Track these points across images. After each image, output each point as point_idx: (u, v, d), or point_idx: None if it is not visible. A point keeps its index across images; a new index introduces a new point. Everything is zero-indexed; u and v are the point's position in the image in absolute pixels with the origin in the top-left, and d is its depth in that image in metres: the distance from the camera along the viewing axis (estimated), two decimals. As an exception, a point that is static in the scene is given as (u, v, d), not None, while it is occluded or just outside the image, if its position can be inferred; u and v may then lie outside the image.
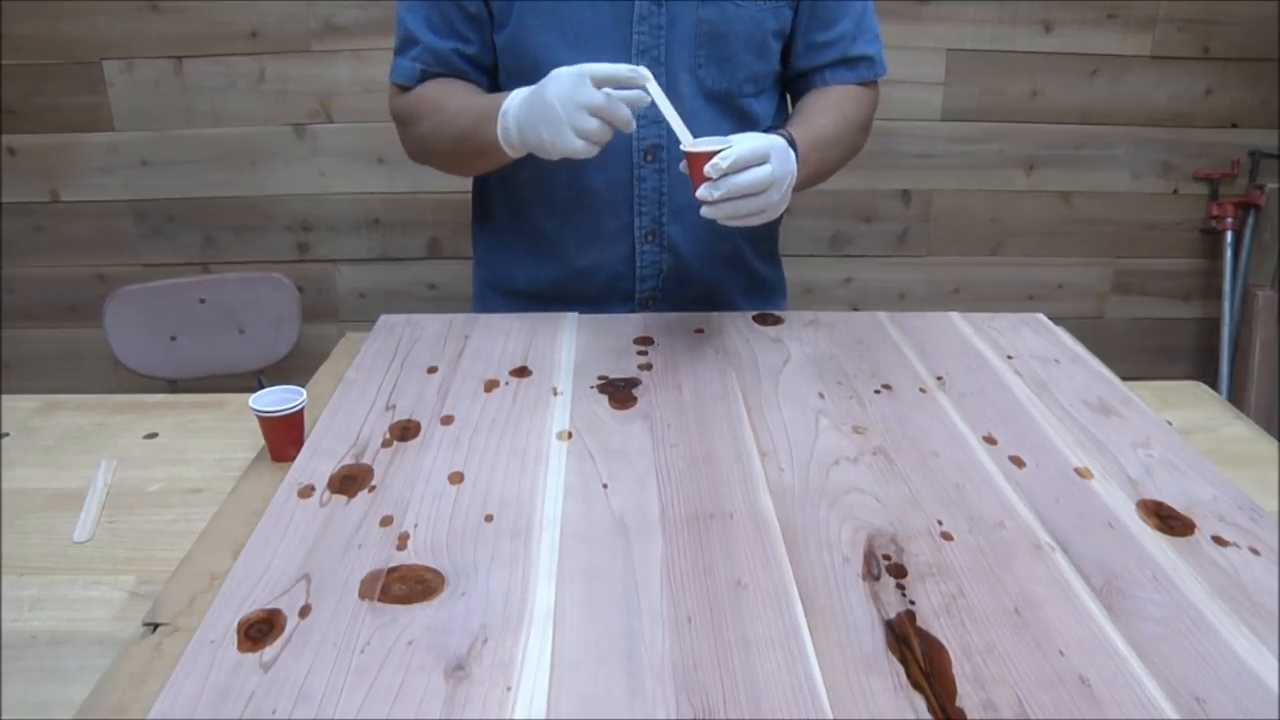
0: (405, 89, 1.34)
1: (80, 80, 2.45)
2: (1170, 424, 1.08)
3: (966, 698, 0.67)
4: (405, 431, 1.02)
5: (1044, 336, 1.30)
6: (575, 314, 1.33)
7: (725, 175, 1.05)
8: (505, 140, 1.17)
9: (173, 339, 2.11)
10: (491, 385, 1.12)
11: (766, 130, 1.23)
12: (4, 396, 1.25)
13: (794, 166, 1.16)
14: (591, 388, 1.12)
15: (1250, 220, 2.65)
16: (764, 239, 1.47)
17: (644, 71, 1.09)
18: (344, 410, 1.07)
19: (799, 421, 1.05)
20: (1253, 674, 0.70)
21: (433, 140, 1.32)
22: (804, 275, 2.72)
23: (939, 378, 1.16)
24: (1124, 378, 1.19)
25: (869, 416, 1.07)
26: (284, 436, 1.02)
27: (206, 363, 2.13)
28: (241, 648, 0.72)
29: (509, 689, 0.68)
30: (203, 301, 2.12)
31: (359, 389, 1.12)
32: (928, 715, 0.66)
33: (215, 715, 0.66)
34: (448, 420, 1.05)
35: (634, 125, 1.10)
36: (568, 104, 1.07)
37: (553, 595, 0.77)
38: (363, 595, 0.77)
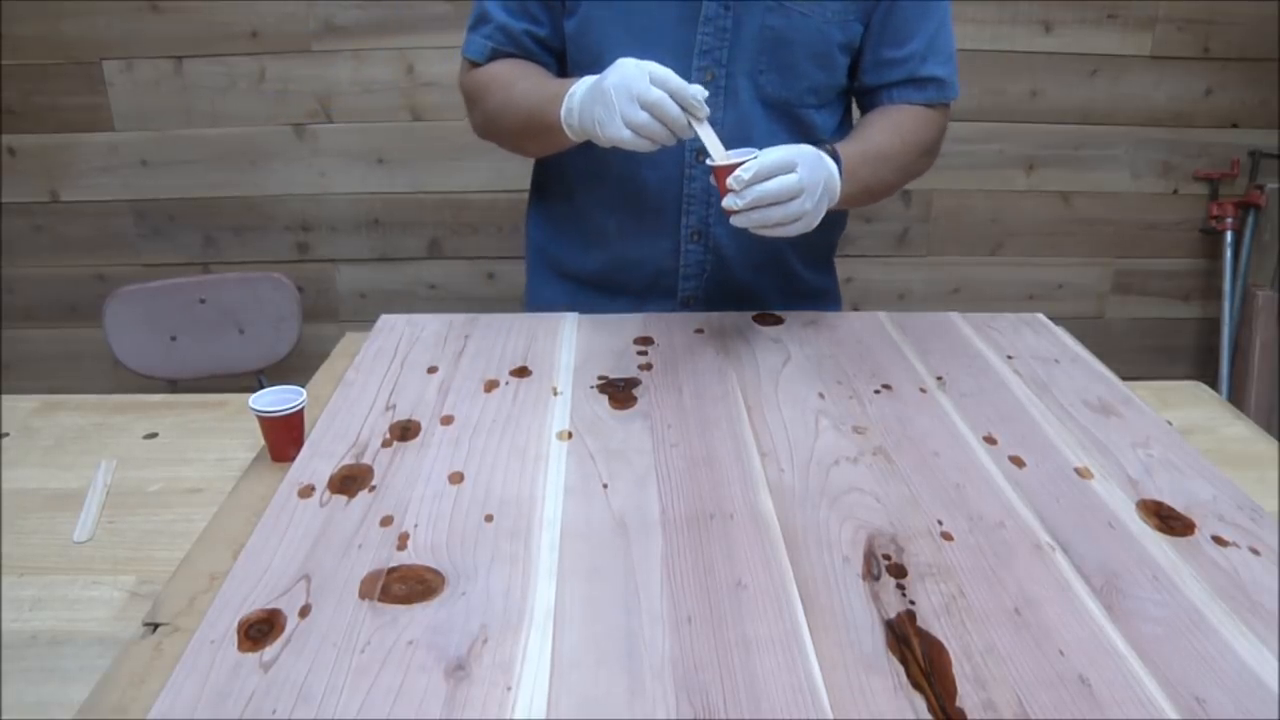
0: (475, 65, 1.35)
1: (80, 80, 2.45)
2: (1170, 424, 1.08)
3: (966, 698, 0.67)
4: (405, 431, 1.02)
5: (1044, 336, 1.30)
6: (575, 314, 1.33)
7: (749, 185, 1.05)
8: (566, 123, 1.17)
9: (173, 339, 2.11)
10: (492, 385, 1.12)
11: (822, 143, 1.23)
12: (4, 396, 1.25)
13: (829, 175, 1.15)
14: (592, 388, 1.12)
15: (1250, 220, 2.65)
16: (812, 246, 1.41)
17: (704, 107, 1.09)
18: (344, 410, 1.07)
19: (799, 421, 1.05)
20: (1253, 674, 0.70)
21: (500, 117, 1.32)
22: (804, 275, 2.72)
23: (939, 378, 1.16)
24: (1124, 378, 1.19)
25: (869, 416, 1.07)
26: (284, 436, 1.02)
27: (206, 363, 2.13)
28: (242, 648, 0.72)
29: (509, 689, 0.68)
30: (203, 301, 2.12)
31: (359, 389, 1.12)
32: (928, 715, 0.66)
33: (215, 715, 0.66)
34: (448, 420, 1.05)
35: (689, 131, 1.10)
36: (622, 93, 1.08)
37: (553, 595, 0.77)
38: (363, 595, 0.77)
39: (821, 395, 1.11)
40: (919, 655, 0.71)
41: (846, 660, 0.71)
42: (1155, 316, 2.81)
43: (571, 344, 1.23)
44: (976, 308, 1.39)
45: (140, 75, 2.45)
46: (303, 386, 1.06)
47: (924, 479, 0.95)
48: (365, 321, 1.41)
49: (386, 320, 1.31)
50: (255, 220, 2.59)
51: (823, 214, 1.14)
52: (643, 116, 1.07)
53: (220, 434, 1.16)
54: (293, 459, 0.99)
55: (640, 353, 1.21)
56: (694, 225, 1.36)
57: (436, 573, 0.80)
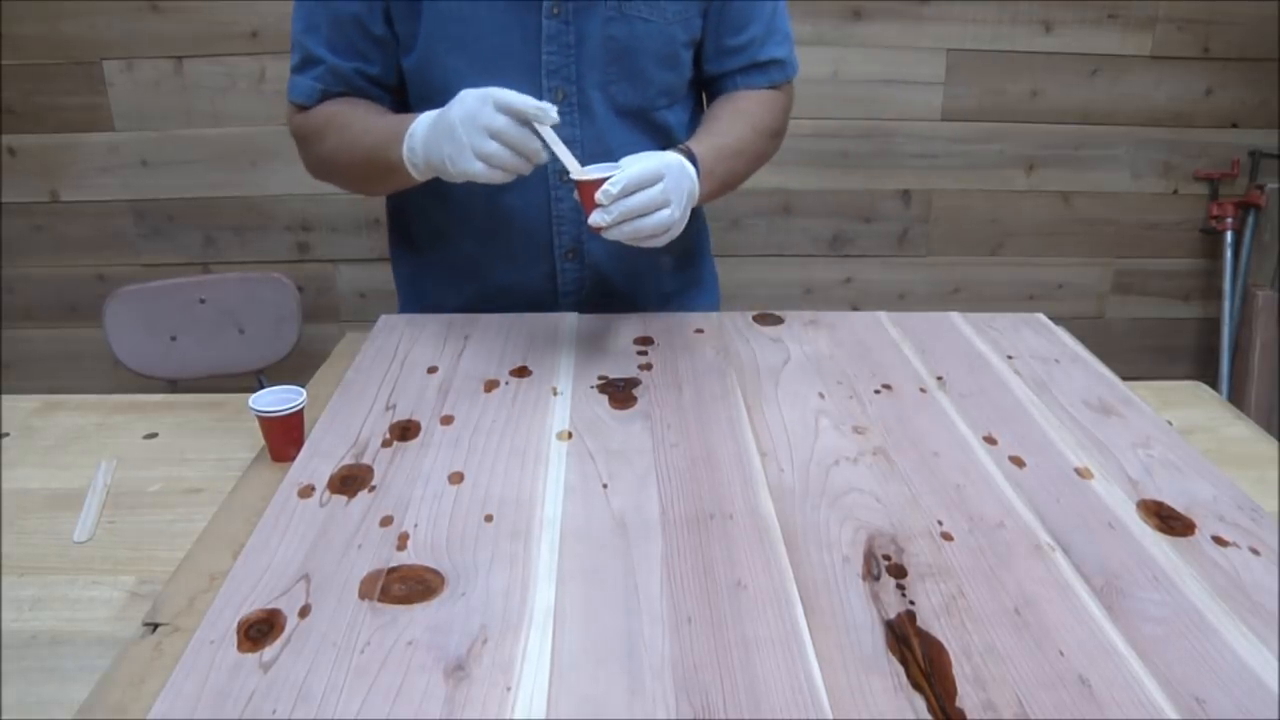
0: (304, 108, 1.31)
1: (80, 80, 2.45)
2: (1170, 424, 1.08)
3: (966, 698, 0.67)
4: (405, 431, 1.02)
5: (1044, 336, 1.30)
6: (575, 314, 1.33)
7: (616, 199, 1.04)
8: (410, 162, 1.14)
9: (173, 339, 2.11)
10: (491, 385, 1.12)
11: (678, 143, 1.22)
12: (4, 396, 1.25)
13: (691, 182, 1.14)
14: (591, 388, 1.12)
15: (1250, 220, 2.65)
16: (677, 244, 1.27)
17: (551, 114, 1.06)
18: (344, 410, 1.07)
19: (799, 421, 1.05)
20: (1253, 674, 0.70)
21: (337, 159, 1.28)
22: (804, 275, 2.73)
23: (939, 378, 1.16)
24: (1124, 378, 1.19)
25: (869, 416, 1.07)
26: (284, 437, 1.02)
27: (206, 363, 2.13)
28: (241, 648, 0.72)
29: (509, 689, 0.68)
30: (203, 301, 2.12)
31: (359, 389, 1.12)
32: (928, 715, 0.66)
33: (215, 715, 0.66)
34: (448, 420, 1.05)
35: (543, 155, 1.08)
36: (469, 125, 1.05)
37: (553, 595, 0.77)
38: (363, 595, 0.77)
39: (821, 395, 1.11)
40: (919, 655, 0.71)
41: (846, 660, 0.71)
42: (1155, 316, 2.81)
43: (571, 344, 1.23)
44: (977, 308, 1.39)
45: (140, 75, 2.46)
46: (303, 387, 1.06)
47: (924, 479, 0.95)
48: (365, 321, 1.41)
49: (387, 320, 1.31)
50: (255, 220, 2.59)
51: (687, 219, 1.14)
52: (493, 146, 1.05)
53: (220, 434, 1.16)
54: (293, 459, 0.99)
55: (640, 353, 1.21)
56: (568, 245, 1.34)
57: (436, 573, 0.80)
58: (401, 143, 1.14)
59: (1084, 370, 1.20)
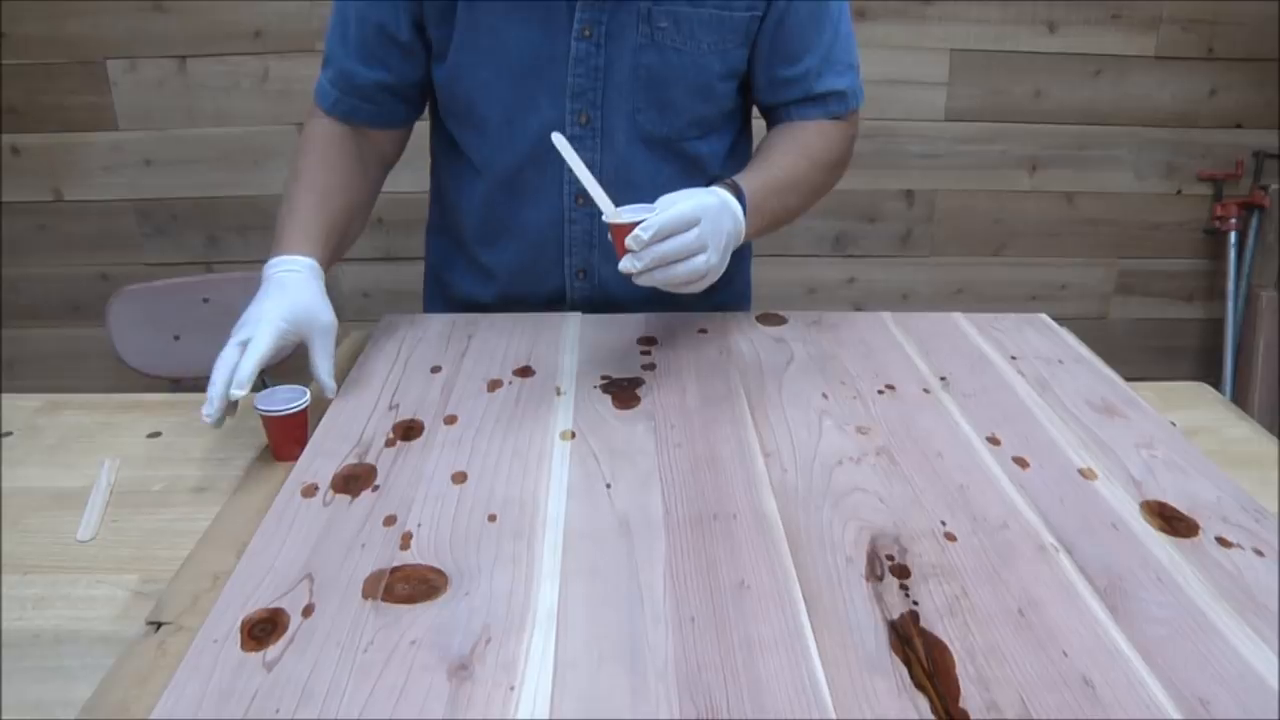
0: (324, 113, 1.30)
1: (84, 80, 2.46)
2: (1174, 425, 1.08)
3: (970, 699, 0.67)
4: (409, 431, 1.02)
5: (1047, 337, 1.30)
6: (579, 314, 1.33)
7: (648, 245, 1.00)
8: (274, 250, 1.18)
9: (176, 338, 2.11)
10: (495, 385, 1.13)
11: (718, 176, 1.18)
12: (8, 396, 1.25)
13: (734, 224, 1.10)
14: (595, 388, 1.12)
15: (1254, 221, 2.65)
16: None
17: (562, 141, 1.06)
18: (347, 410, 1.07)
19: (802, 422, 1.05)
20: (1256, 675, 0.70)
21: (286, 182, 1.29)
22: (807, 275, 2.73)
23: (942, 378, 1.16)
24: (1127, 378, 1.19)
25: (872, 417, 1.07)
26: (288, 435, 1.02)
27: (209, 362, 2.11)
28: (245, 647, 0.72)
29: (512, 689, 0.68)
30: (206, 301, 2.12)
31: (362, 388, 1.12)
32: (931, 716, 0.66)
33: (218, 714, 0.66)
34: (451, 420, 1.05)
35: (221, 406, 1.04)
36: (240, 325, 1.08)
37: (556, 595, 0.77)
38: (366, 595, 0.77)
39: (825, 395, 1.11)
40: (922, 656, 0.71)
41: (850, 661, 0.71)
42: (1158, 317, 2.81)
43: (575, 344, 1.23)
44: (979, 308, 1.39)
45: (144, 75, 2.46)
46: (306, 386, 1.06)
47: (927, 479, 0.95)
48: (368, 321, 1.40)
49: (390, 320, 1.32)
50: (258, 220, 2.59)
51: (726, 263, 1.10)
52: (228, 352, 1.06)
53: (223, 433, 1.16)
54: (296, 458, 0.99)
55: (644, 352, 1.21)
56: (578, 265, 1.34)
57: (440, 572, 0.80)
58: (274, 248, 1.18)
59: (1087, 371, 1.20)
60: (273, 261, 1.15)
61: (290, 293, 1.10)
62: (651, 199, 1.06)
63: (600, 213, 1.05)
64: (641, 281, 1.03)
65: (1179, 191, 2.67)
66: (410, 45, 1.24)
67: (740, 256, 1.47)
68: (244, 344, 1.04)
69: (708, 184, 1.14)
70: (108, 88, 2.47)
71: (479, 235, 1.36)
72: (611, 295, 1.36)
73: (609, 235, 1.06)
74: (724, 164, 1.34)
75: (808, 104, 1.31)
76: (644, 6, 1.18)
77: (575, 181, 1.23)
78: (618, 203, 1.06)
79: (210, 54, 2.44)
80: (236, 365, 1.02)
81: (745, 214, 1.13)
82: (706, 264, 1.04)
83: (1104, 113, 2.58)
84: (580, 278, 1.35)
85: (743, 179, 1.17)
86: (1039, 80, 2.54)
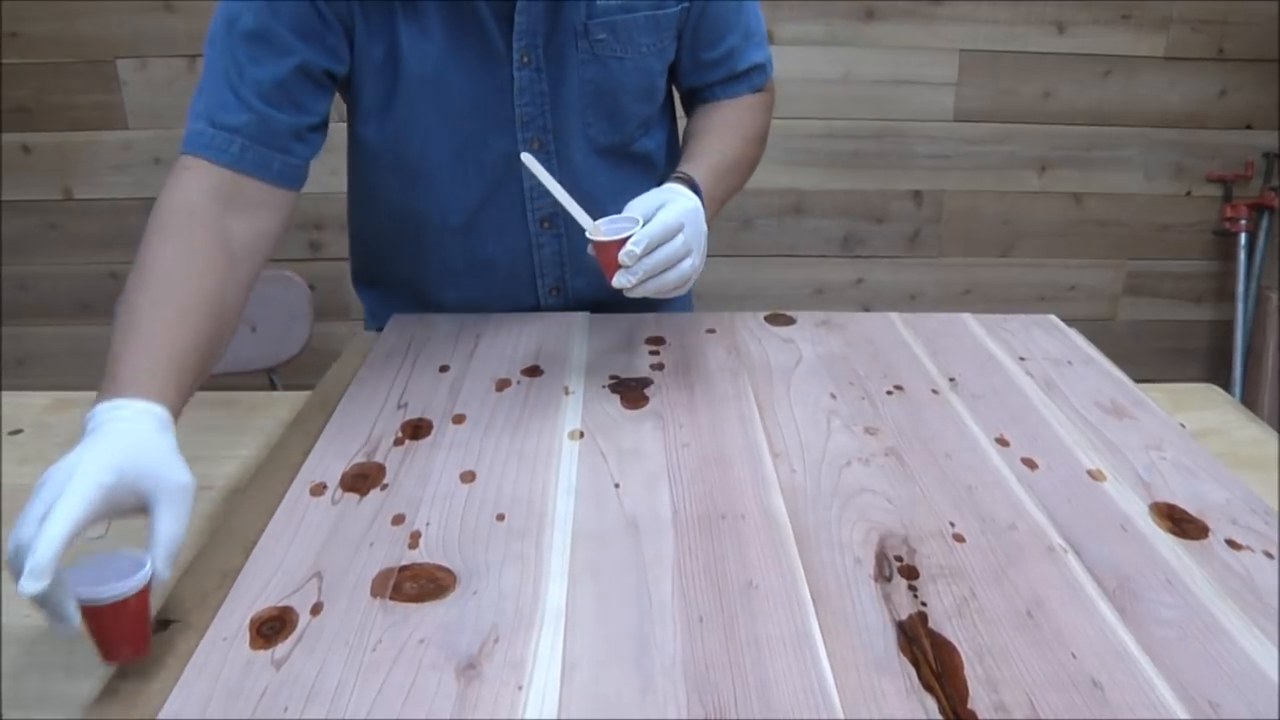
0: (209, 166, 1.04)
1: (94, 79, 2.46)
2: (1183, 426, 1.08)
3: (978, 699, 0.67)
4: (417, 430, 1.03)
5: (1056, 338, 1.30)
6: (586, 314, 1.33)
7: (640, 259, 1.00)
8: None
9: (185, 337, 2.11)
10: (503, 384, 1.13)
11: (667, 171, 1.17)
12: (18, 393, 1.25)
13: (704, 221, 1.10)
14: (603, 387, 1.12)
15: (1264, 222, 2.64)
16: None
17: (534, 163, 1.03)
18: (356, 409, 1.08)
19: (811, 422, 1.05)
20: (1266, 678, 0.70)
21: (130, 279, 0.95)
22: (815, 276, 2.73)
23: (951, 379, 1.16)
24: (1136, 380, 1.19)
25: (881, 417, 1.06)
26: (118, 629, 0.69)
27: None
28: (253, 645, 0.72)
29: (520, 688, 0.68)
30: (215, 299, 2.12)
31: (371, 388, 1.12)
32: (939, 717, 0.66)
33: (227, 712, 0.66)
34: (459, 419, 1.05)
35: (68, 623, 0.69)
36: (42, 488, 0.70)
37: (564, 595, 0.77)
38: (374, 593, 0.78)
39: (833, 396, 1.11)
40: (930, 657, 0.71)
41: (858, 661, 0.71)
42: (1168, 318, 2.81)
43: (583, 343, 1.23)
44: (988, 309, 1.38)
45: (154, 74, 2.47)
46: (144, 553, 0.72)
47: (936, 480, 0.94)
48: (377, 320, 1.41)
49: (398, 319, 1.32)
50: (267, 218, 2.59)
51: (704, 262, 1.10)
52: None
53: (232, 431, 1.16)
54: (131, 659, 0.70)
55: (652, 352, 1.21)
56: (550, 284, 1.33)
57: (448, 571, 0.80)
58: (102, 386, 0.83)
59: (1096, 372, 1.20)
60: (100, 407, 0.79)
61: (123, 442, 0.75)
62: (613, 208, 1.06)
63: (570, 228, 1.05)
64: (634, 294, 1.03)
65: (1188, 193, 2.67)
66: (328, 88, 1.13)
67: None
68: (42, 517, 0.67)
69: (659, 180, 1.14)
70: (118, 87, 2.48)
71: (440, 279, 1.32)
72: (586, 304, 1.36)
73: (590, 250, 1.04)
74: (666, 154, 1.35)
75: (732, 81, 1.31)
76: (579, 23, 1.16)
77: (540, 208, 1.25)
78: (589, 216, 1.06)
79: (220, 53, 2.44)
80: (30, 545, 0.65)
81: (703, 203, 1.12)
82: (693, 267, 1.05)
83: (1113, 113, 2.57)
84: (554, 295, 1.34)
85: (693, 169, 1.16)
86: (1048, 81, 2.54)
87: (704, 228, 1.09)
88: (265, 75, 1.06)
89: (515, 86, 1.18)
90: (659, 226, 1.01)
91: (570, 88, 1.20)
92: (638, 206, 1.05)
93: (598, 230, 1.04)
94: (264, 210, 1.06)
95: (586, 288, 1.34)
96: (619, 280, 1.01)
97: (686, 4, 1.22)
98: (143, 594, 0.68)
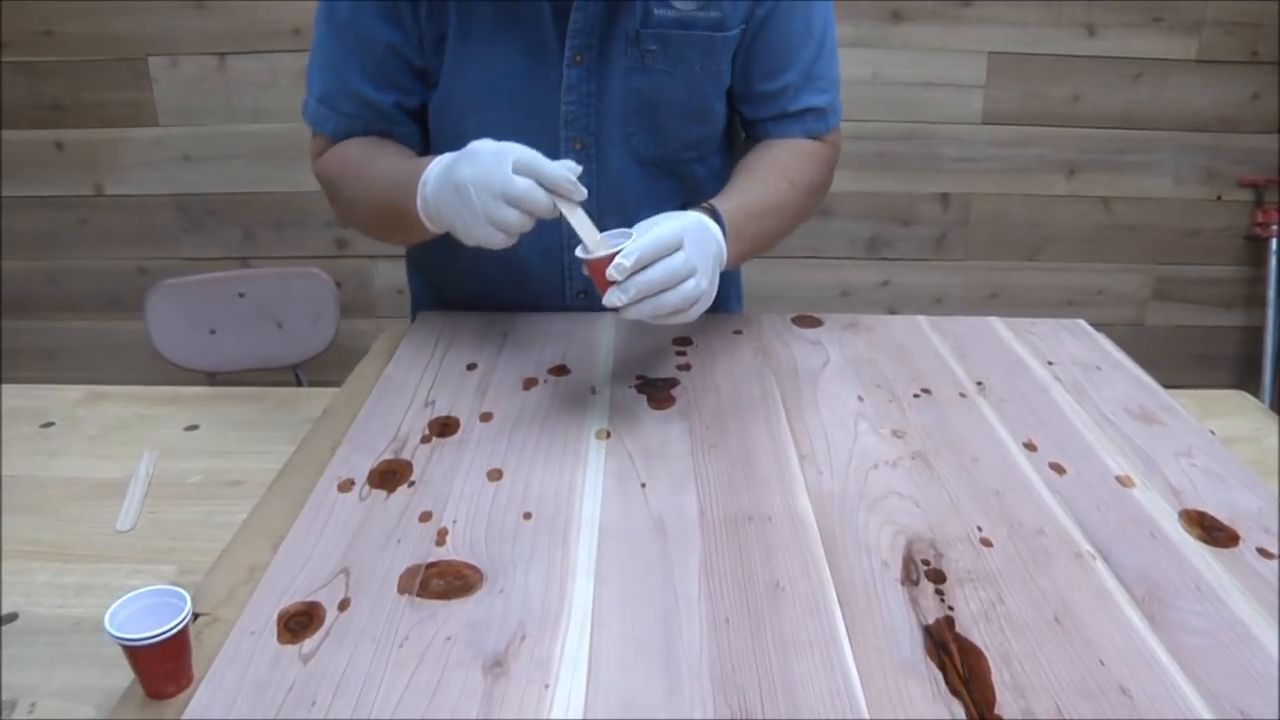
0: (330, 142, 1.23)
1: (126, 76, 2.49)
2: (1213, 433, 1.07)
3: (1005, 706, 0.67)
4: (444, 428, 1.03)
5: (1085, 342, 1.29)
6: (614, 314, 1.32)
7: (631, 274, 0.92)
8: (425, 214, 1.05)
9: (212, 332, 2.13)
10: (530, 383, 1.13)
11: (708, 195, 1.13)
12: (49, 386, 1.27)
13: (717, 246, 1.03)
14: (630, 387, 1.12)
15: (1295, 227, 2.61)
16: None
17: (581, 192, 0.97)
18: (384, 405, 1.08)
19: (838, 424, 1.05)
20: (1298, 688, 0.69)
21: (357, 207, 1.20)
22: (841, 277, 2.72)
23: (979, 383, 1.15)
24: (1164, 386, 1.18)
25: (908, 420, 1.06)
26: (161, 668, 0.70)
27: (245, 357, 2.15)
28: (281, 639, 0.73)
29: (547, 686, 0.68)
30: (242, 296, 2.14)
31: (399, 385, 1.13)
32: (966, 722, 0.65)
33: (255, 705, 0.67)
34: (486, 417, 1.05)
35: (557, 213, 0.96)
36: (483, 191, 0.95)
37: (591, 594, 0.78)
38: (402, 590, 0.78)
39: (860, 398, 1.11)
40: (957, 662, 0.71)
41: (885, 665, 0.71)
42: (1196, 324, 2.78)
43: (610, 343, 1.23)
44: (1014, 313, 1.37)
45: (184, 71, 2.49)
46: (185, 591, 0.72)
47: (963, 484, 0.94)
48: (402, 318, 1.41)
49: (425, 317, 1.32)
50: (294, 216, 2.61)
51: (717, 287, 1.02)
52: (512, 215, 0.94)
53: (260, 427, 1.17)
54: (174, 694, 0.70)
55: (679, 353, 1.21)
56: (579, 287, 1.32)
57: (475, 569, 0.80)
58: (416, 192, 1.05)
59: (1125, 377, 1.19)
60: (423, 178, 1.04)
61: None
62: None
63: (606, 229, 0.99)
64: (630, 315, 0.95)
65: (1219, 197, 2.64)
66: (419, 69, 1.19)
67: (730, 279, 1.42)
68: (517, 165, 0.94)
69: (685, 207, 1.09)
70: (149, 84, 2.50)
71: (475, 271, 1.32)
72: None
73: (584, 270, 0.98)
74: (718, 186, 1.26)
75: (785, 120, 1.26)
76: (632, 31, 1.16)
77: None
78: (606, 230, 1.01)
79: (249, 51, 2.46)
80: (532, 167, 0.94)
81: (725, 238, 1.06)
82: (697, 288, 0.96)
83: (1143, 116, 2.55)
84: (581, 299, 1.33)
85: (720, 201, 1.11)
86: (1077, 83, 2.52)
87: (714, 250, 1.02)
88: (363, 61, 1.17)
89: (563, 84, 1.18)
90: (652, 240, 0.93)
91: (616, 93, 1.19)
92: (640, 225, 1.00)
93: (591, 243, 0.97)
94: None
95: None
96: (610, 298, 0.93)
97: (743, 27, 1.20)
98: (183, 632, 0.69)
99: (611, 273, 0.92)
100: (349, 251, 2.64)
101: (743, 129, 1.34)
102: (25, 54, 2.46)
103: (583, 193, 0.96)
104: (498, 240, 0.97)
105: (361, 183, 1.17)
